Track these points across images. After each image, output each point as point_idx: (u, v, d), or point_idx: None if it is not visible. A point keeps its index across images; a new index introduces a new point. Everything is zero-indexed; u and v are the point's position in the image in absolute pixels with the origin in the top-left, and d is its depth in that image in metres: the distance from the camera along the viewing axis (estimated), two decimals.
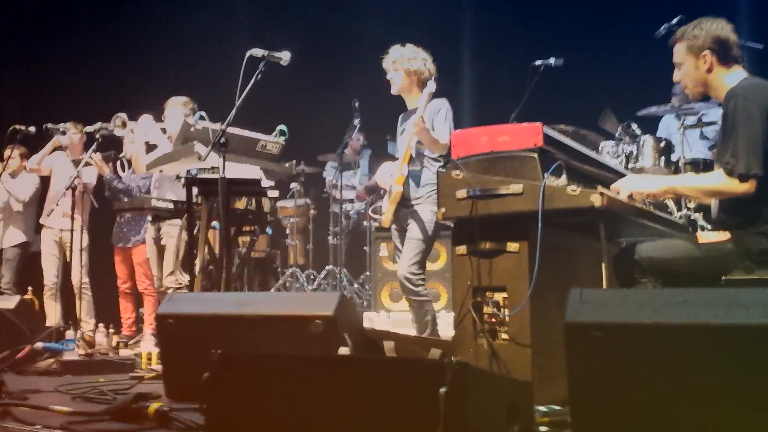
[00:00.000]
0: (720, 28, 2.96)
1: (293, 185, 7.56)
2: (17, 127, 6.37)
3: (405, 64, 4.32)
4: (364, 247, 7.03)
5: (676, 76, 3.06)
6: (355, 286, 6.96)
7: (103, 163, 6.14)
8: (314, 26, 8.26)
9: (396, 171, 4.27)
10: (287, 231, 7.48)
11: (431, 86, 4.16)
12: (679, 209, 4.37)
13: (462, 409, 1.90)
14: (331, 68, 8.02)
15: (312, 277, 7.13)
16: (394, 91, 4.38)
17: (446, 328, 4.52)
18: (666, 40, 4.59)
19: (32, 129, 6.38)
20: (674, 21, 4.54)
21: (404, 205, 4.27)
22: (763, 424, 1.77)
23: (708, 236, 2.96)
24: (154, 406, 2.56)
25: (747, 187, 2.77)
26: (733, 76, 2.95)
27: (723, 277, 2.81)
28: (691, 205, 4.29)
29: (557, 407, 2.59)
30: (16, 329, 4.46)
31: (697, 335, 1.85)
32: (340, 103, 7.51)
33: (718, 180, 2.85)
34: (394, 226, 4.38)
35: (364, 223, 7.14)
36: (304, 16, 8.32)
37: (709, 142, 5.32)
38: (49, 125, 6.24)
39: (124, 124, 5.51)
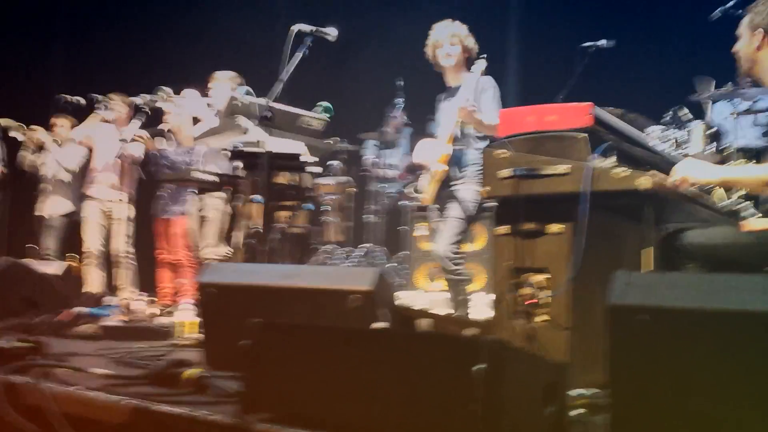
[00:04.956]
0: None
1: (334, 162, 7.56)
2: (65, 97, 6.48)
3: (464, 39, 4.30)
4: (398, 228, 7.02)
5: (735, 46, 3.02)
6: (392, 264, 6.96)
7: (150, 139, 6.20)
8: (359, 2, 8.21)
9: (438, 150, 4.24)
10: (326, 208, 7.50)
11: (482, 63, 4.11)
12: (728, 197, 4.27)
13: (499, 387, 1.87)
14: (376, 46, 7.97)
15: (348, 254, 7.14)
16: (449, 63, 4.32)
17: (481, 310, 4.50)
18: (721, 23, 4.49)
19: (80, 99, 6.48)
20: (730, 4, 4.42)
21: (447, 185, 4.24)
22: None
23: (756, 224, 2.89)
24: (190, 372, 2.59)
25: None
26: None
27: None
28: (740, 193, 4.18)
29: (593, 390, 2.55)
30: (58, 294, 4.55)
31: (746, 322, 1.80)
32: (384, 81, 7.47)
33: None
34: (435, 206, 4.36)
35: (400, 202, 7.12)
36: None
37: (762, 129, 5.17)
38: (97, 96, 6.32)
39: (168, 98, 5.55)
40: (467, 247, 4.97)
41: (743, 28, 2.97)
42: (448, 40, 4.29)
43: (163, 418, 2.26)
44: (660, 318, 1.87)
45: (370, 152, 7.73)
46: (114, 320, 4.31)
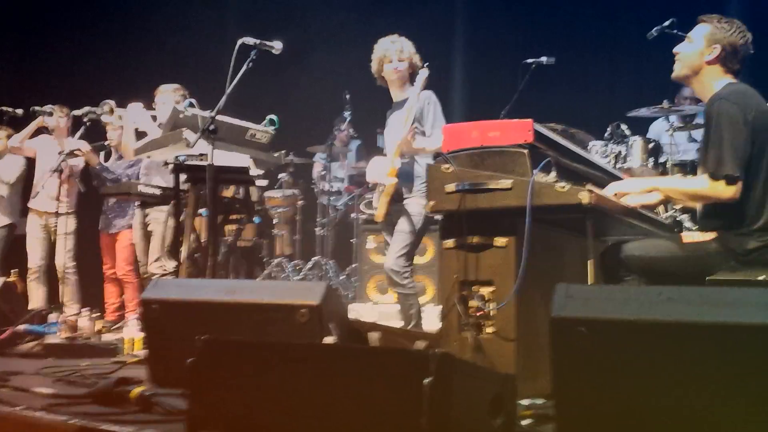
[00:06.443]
0: (742, 37, 2.97)
1: (282, 175, 7.55)
2: (3, 108, 6.34)
3: (411, 55, 4.34)
4: (351, 240, 7.04)
5: (678, 47, 3.05)
6: (342, 278, 6.96)
7: (92, 153, 6.11)
8: (305, 16, 8.23)
9: (387, 164, 4.27)
10: (274, 221, 7.47)
11: (425, 72, 4.13)
12: (666, 210, 4.41)
13: (446, 400, 1.90)
14: (322, 59, 8.00)
15: (298, 267, 7.13)
16: (396, 77, 4.35)
17: (432, 322, 4.54)
18: (657, 42, 4.64)
19: (19, 111, 6.35)
20: (666, 23, 4.57)
21: (395, 200, 4.26)
22: (744, 420, 1.79)
23: (693, 236, 2.99)
24: (136, 390, 2.56)
25: (731, 191, 2.79)
26: (722, 82, 2.97)
27: (707, 277, 2.83)
28: (678, 206, 4.32)
29: (540, 401, 2.60)
30: (1, 311, 4.44)
31: (682, 333, 1.87)
32: (331, 94, 7.50)
33: (703, 185, 2.87)
34: (384, 220, 4.38)
35: (351, 215, 7.14)
36: (296, 5, 8.29)
37: (698, 144, 5.36)
38: (36, 108, 6.20)
39: (111, 111, 5.48)
40: (417, 260, 5.01)
41: (699, 37, 2.99)
42: (396, 55, 4.32)
43: None
44: (598, 329, 1.93)
45: (317, 165, 7.74)
46: (58, 338, 4.22)
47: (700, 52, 2.98)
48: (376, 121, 4.68)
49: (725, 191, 2.80)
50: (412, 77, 4.33)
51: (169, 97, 5.40)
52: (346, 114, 7.34)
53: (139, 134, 5.54)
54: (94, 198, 6.35)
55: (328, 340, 2.62)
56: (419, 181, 4.22)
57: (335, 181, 7.45)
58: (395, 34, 4.42)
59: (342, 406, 2.04)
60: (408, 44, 4.38)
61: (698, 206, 3.12)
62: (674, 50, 3.07)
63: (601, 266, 2.93)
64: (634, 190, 2.97)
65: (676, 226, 3.58)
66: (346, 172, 7.62)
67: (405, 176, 4.26)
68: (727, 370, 1.80)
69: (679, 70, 3.06)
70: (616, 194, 2.91)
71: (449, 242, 2.95)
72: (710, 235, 2.88)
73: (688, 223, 4.34)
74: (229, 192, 4.97)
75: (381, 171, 4.29)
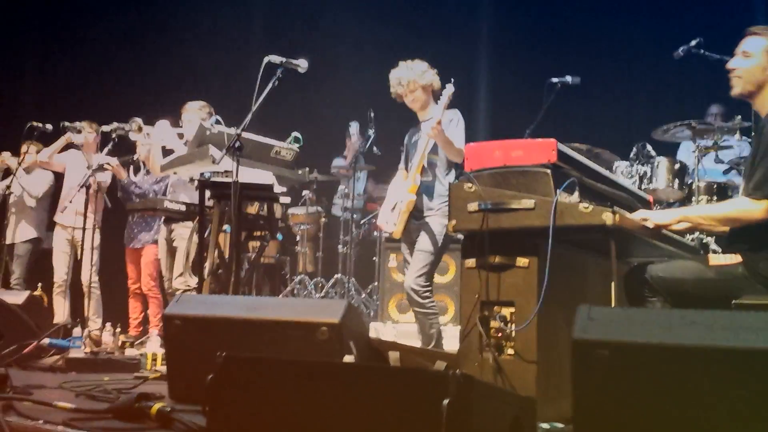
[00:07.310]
0: None
1: (305, 192, 7.57)
2: (34, 124, 6.44)
3: (420, 81, 4.31)
4: (374, 257, 7.03)
5: (735, 63, 2.93)
6: (363, 295, 6.95)
7: (120, 168, 6.19)
8: (331, 33, 8.29)
9: (408, 181, 4.27)
10: (298, 238, 7.49)
11: (450, 88, 4.11)
12: (691, 232, 4.36)
13: (465, 422, 1.88)
14: (347, 77, 8.05)
15: (320, 285, 7.13)
16: (417, 108, 4.38)
17: (452, 342, 4.51)
18: (683, 61, 4.61)
19: (49, 126, 6.45)
20: (692, 43, 4.54)
21: (415, 217, 4.26)
22: None
23: (719, 259, 2.94)
24: (156, 406, 2.56)
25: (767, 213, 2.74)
26: None
27: (733, 301, 2.79)
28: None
29: (560, 425, 2.57)
30: (23, 325, 4.48)
31: (705, 357, 1.84)
32: (356, 112, 7.53)
33: (741, 204, 2.82)
34: (403, 237, 4.37)
35: (375, 233, 7.14)
36: (321, 22, 8.36)
37: (724, 166, 5.30)
38: (66, 123, 6.29)
39: (140, 129, 5.54)
40: (438, 279, 4.99)
41: (758, 51, 2.88)
42: (405, 90, 4.32)
43: None
44: (619, 353, 1.90)
45: (341, 182, 7.76)
46: (81, 352, 4.24)
47: (762, 68, 2.88)
48: (400, 138, 4.69)
49: (762, 212, 2.75)
50: (435, 95, 4.32)
51: (195, 114, 5.46)
52: (371, 132, 7.36)
53: (167, 152, 5.60)
54: (119, 212, 6.42)
55: (348, 358, 2.61)
56: (440, 200, 4.21)
57: (357, 198, 7.46)
58: (406, 62, 4.38)
59: (361, 426, 2.02)
60: (417, 72, 4.31)
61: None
62: (730, 66, 2.95)
63: (625, 288, 2.89)
64: (661, 222, 2.90)
65: (701, 248, 3.53)
66: (369, 189, 7.63)
67: (425, 192, 4.26)
68: (751, 397, 1.77)
69: (741, 87, 2.94)
70: (645, 218, 2.87)
71: (471, 262, 2.93)
72: (737, 259, 2.83)
73: (713, 246, 4.28)
74: (253, 209, 4.99)
75: (400, 189, 4.30)
